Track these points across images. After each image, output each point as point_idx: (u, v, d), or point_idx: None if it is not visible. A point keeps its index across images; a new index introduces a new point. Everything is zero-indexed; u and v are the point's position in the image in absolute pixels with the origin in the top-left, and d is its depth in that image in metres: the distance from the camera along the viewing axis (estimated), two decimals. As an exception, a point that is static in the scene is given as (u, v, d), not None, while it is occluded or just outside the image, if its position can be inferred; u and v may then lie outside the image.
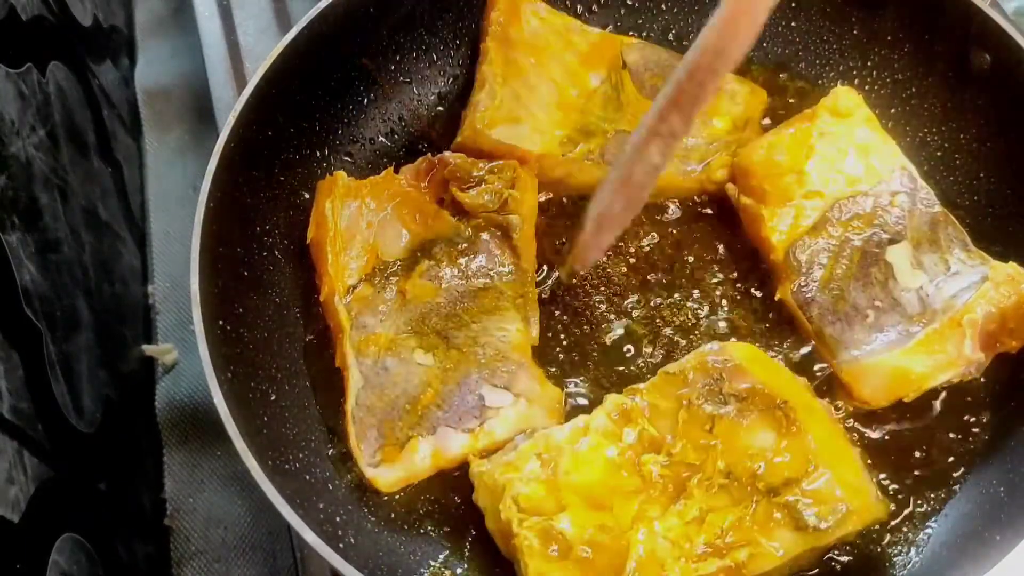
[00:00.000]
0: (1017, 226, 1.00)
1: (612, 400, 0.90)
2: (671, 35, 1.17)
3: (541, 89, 1.07)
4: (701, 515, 0.83)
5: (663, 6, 1.17)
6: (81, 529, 0.89)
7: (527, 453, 0.87)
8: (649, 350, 0.99)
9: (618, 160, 0.78)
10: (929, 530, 0.90)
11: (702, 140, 1.07)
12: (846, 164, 1.00)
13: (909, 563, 0.88)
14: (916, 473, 0.92)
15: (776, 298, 0.99)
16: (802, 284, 0.97)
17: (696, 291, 1.02)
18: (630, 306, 1.01)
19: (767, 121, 1.11)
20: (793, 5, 1.13)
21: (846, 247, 0.97)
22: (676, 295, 1.02)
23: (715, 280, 1.02)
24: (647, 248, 1.04)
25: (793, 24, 1.14)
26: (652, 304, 1.01)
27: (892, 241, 0.97)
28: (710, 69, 0.72)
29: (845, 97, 1.02)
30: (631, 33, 1.16)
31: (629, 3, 1.17)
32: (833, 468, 0.85)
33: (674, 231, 1.06)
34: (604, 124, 1.07)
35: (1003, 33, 0.98)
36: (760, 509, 0.84)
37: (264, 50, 1.05)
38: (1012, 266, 0.94)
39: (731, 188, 1.03)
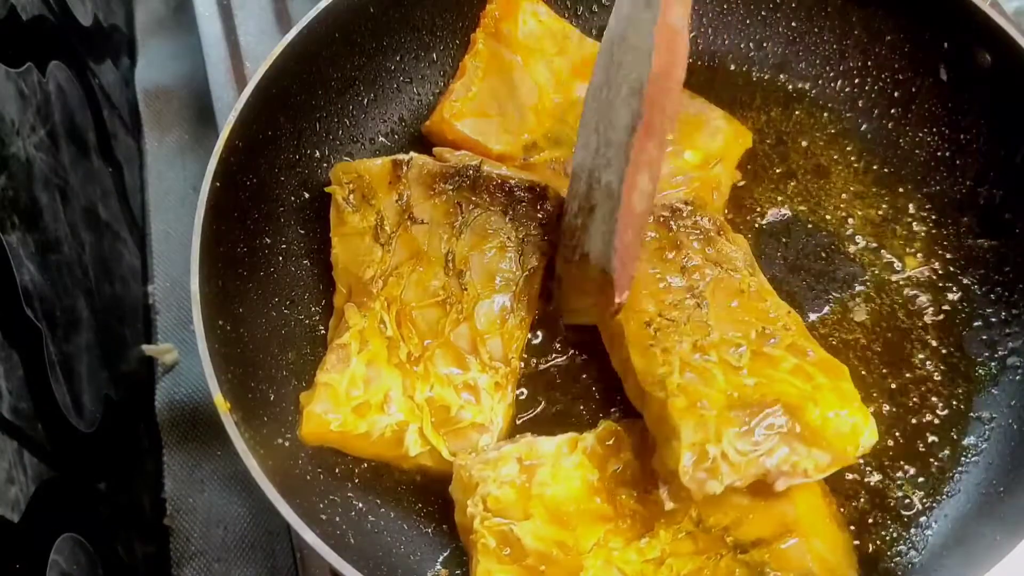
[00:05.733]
0: (1017, 226, 1.00)
1: (607, 426, 0.88)
2: (671, 35, 1.17)
3: (521, 89, 1.07)
4: (662, 556, 0.82)
5: (663, 6, 1.17)
6: (81, 529, 0.89)
7: (509, 456, 0.86)
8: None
9: (604, 203, 0.83)
10: (929, 530, 0.90)
11: (666, 170, 1.02)
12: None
13: (909, 563, 0.88)
14: (915, 472, 0.92)
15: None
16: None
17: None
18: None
19: (769, 140, 1.10)
20: (793, 5, 1.13)
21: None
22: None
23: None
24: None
25: (793, 24, 1.14)
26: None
27: None
28: (662, 92, 0.77)
29: None
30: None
31: (629, 3, 1.17)
32: (809, 539, 0.82)
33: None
34: (576, 136, 1.05)
35: (1003, 33, 0.98)
36: (723, 564, 0.81)
37: (264, 50, 1.05)
38: None
39: None
